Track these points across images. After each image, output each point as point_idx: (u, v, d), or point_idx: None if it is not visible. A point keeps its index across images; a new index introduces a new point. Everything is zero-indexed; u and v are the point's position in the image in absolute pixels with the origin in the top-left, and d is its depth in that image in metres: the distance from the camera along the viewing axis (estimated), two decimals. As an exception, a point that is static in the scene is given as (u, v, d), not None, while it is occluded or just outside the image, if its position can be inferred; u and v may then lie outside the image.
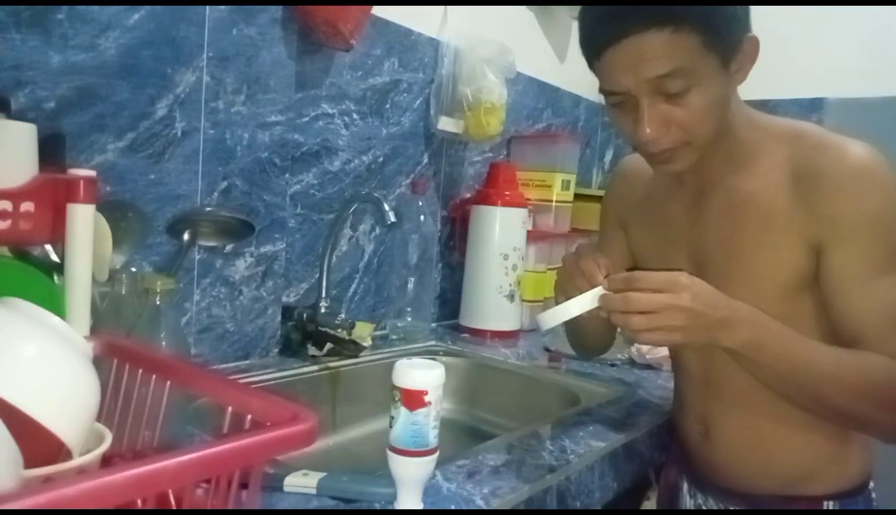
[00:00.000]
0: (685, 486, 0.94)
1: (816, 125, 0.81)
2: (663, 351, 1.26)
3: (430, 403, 0.60)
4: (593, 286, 0.76)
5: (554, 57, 1.80)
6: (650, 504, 1.02)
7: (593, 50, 0.74)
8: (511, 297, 1.43)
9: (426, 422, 0.61)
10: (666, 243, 0.90)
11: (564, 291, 0.80)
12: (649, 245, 0.94)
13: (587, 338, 1.02)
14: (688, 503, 0.93)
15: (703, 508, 0.91)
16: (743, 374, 0.77)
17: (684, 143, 0.75)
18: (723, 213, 0.82)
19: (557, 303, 0.79)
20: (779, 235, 0.77)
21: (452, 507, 0.65)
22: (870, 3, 1.59)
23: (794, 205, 0.76)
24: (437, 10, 1.38)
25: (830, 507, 0.82)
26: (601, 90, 0.77)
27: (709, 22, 0.69)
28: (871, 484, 0.85)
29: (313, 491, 0.64)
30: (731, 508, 0.88)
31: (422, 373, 0.61)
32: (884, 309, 0.74)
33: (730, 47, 0.72)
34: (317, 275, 1.16)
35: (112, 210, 0.75)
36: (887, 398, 0.72)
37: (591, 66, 0.76)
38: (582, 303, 0.76)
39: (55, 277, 0.66)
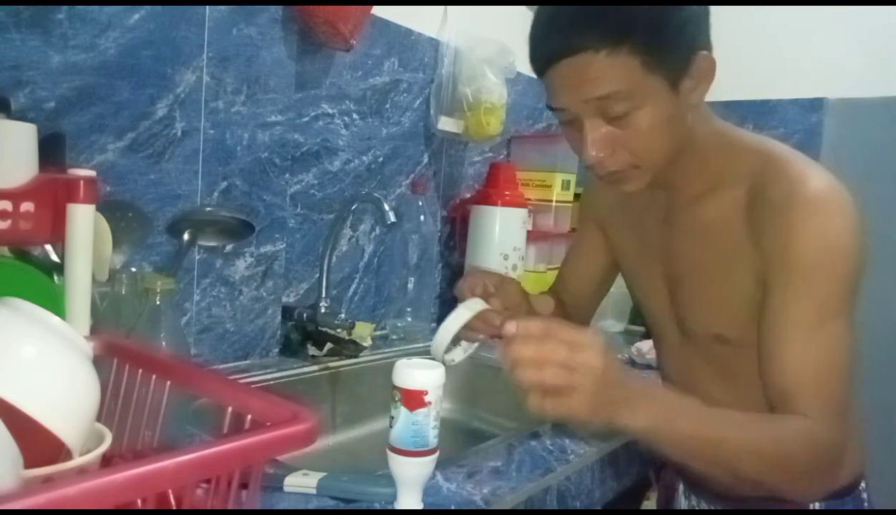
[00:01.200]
0: (681, 487, 0.94)
1: (787, 148, 0.76)
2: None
3: (430, 403, 0.60)
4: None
5: (554, 57, 1.80)
6: (650, 504, 1.02)
7: (536, 67, 0.73)
8: (511, 297, 1.42)
9: (426, 422, 0.61)
10: (643, 253, 0.89)
11: (459, 293, 0.85)
12: (628, 252, 0.93)
13: None
14: (683, 504, 0.94)
15: (697, 509, 0.91)
16: (711, 362, 0.79)
17: (632, 166, 0.73)
18: (690, 234, 0.81)
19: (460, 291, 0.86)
20: (734, 265, 0.75)
21: (452, 507, 0.65)
22: (870, 3, 1.59)
23: (746, 236, 0.73)
24: (437, 10, 1.38)
25: (817, 507, 0.81)
26: (547, 105, 0.75)
27: (649, 43, 0.66)
28: (863, 484, 0.84)
29: (313, 491, 0.64)
30: (721, 509, 0.88)
31: (422, 373, 0.60)
32: (816, 363, 0.68)
33: (677, 67, 0.68)
34: (317, 275, 1.16)
35: (112, 210, 0.75)
36: (806, 466, 0.67)
37: (542, 83, 0.74)
38: (456, 317, 0.78)
39: (55, 277, 0.66)
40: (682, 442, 0.66)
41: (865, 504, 0.84)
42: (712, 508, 0.89)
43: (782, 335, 0.69)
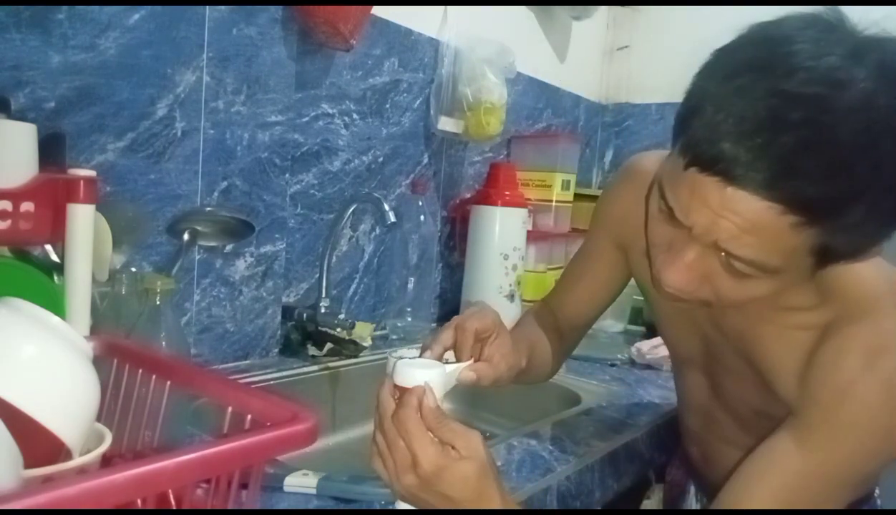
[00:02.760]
0: (692, 490, 0.94)
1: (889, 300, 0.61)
2: (664, 352, 1.26)
3: None
4: (458, 343, 0.66)
5: (554, 57, 1.80)
6: (650, 503, 1.02)
7: (684, 152, 0.54)
8: (511, 297, 1.43)
9: None
10: (678, 313, 0.78)
11: (435, 335, 0.67)
12: (660, 301, 0.80)
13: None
14: (694, 505, 0.93)
15: (703, 509, 0.91)
16: (745, 427, 0.72)
17: (703, 301, 0.60)
18: (735, 339, 0.71)
19: (423, 348, 0.67)
20: (779, 374, 0.66)
21: (452, 507, 0.65)
22: (870, 3, 1.59)
23: (798, 368, 0.63)
24: (437, 10, 1.38)
25: None
26: (659, 187, 0.58)
27: (847, 233, 0.51)
28: (877, 491, 0.84)
29: (313, 491, 0.64)
30: None
31: (421, 372, 0.58)
32: (783, 495, 0.60)
33: (843, 256, 0.56)
34: (317, 275, 1.16)
35: (112, 210, 0.75)
36: None
37: (674, 143, 0.57)
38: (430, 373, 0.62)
39: (55, 277, 0.66)
40: None
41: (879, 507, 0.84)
42: None
43: (772, 465, 0.62)
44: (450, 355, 0.66)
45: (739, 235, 0.52)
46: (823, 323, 0.63)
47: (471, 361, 0.65)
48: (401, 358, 0.61)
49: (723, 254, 0.54)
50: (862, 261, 0.60)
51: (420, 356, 0.65)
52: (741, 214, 0.51)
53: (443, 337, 0.65)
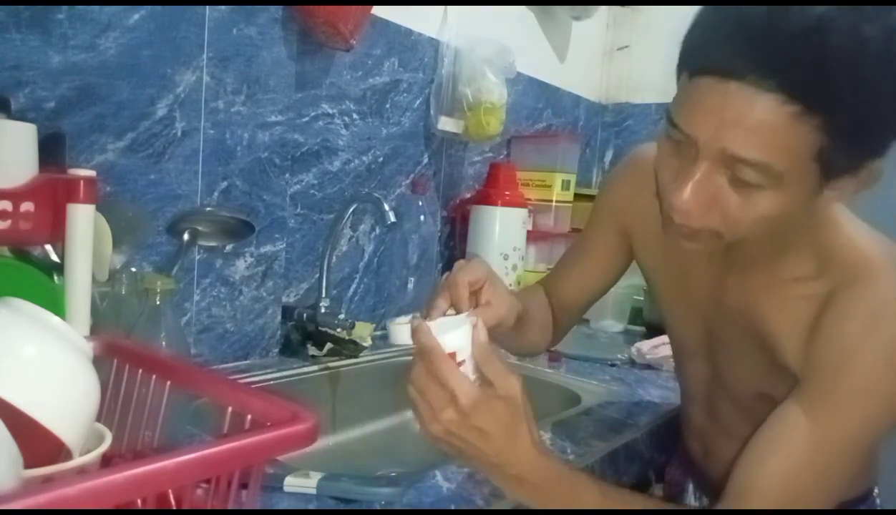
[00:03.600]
0: (690, 488, 0.94)
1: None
2: (664, 352, 1.26)
3: (463, 361, 0.57)
4: (456, 309, 0.65)
5: (554, 57, 1.80)
6: (650, 504, 1.02)
7: (688, 63, 0.56)
8: (511, 297, 1.42)
9: None
10: (680, 286, 0.79)
11: (429, 300, 0.66)
12: (660, 275, 0.82)
13: (512, 347, 0.88)
14: (693, 504, 0.93)
15: (704, 508, 0.91)
16: (746, 414, 0.73)
17: (714, 233, 0.59)
18: (737, 315, 0.72)
19: (422, 311, 0.67)
20: (784, 345, 0.67)
21: (452, 507, 0.65)
22: (870, 3, 1.58)
23: (804, 331, 0.64)
24: (437, 10, 1.38)
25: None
26: (667, 113, 0.59)
27: (849, 130, 0.52)
28: (876, 490, 0.84)
29: (313, 491, 0.64)
30: None
31: (449, 337, 0.57)
32: (794, 483, 0.61)
33: (844, 168, 0.55)
34: (317, 275, 1.16)
35: (112, 210, 0.75)
36: None
37: (678, 77, 0.59)
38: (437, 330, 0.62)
39: (55, 277, 0.66)
40: None
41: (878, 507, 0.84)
42: None
43: (783, 434, 0.62)
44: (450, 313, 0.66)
45: (744, 135, 0.52)
46: (825, 293, 0.63)
47: (469, 311, 0.64)
48: (400, 323, 0.61)
49: (729, 167, 0.54)
50: (860, 230, 0.65)
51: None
52: (744, 111, 0.51)
53: (438, 303, 0.64)
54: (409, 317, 0.67)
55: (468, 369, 0.58)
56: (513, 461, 0.57)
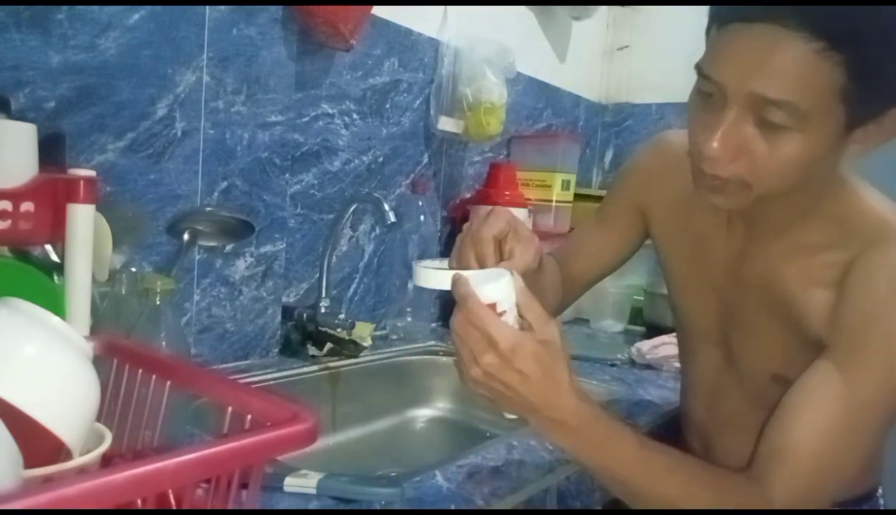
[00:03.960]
0: None
1: None
2: (664, 352, 1.26)
3: (504, 311, 0.58)
4: (481, 265, 0.65)
5: (554, 57, 1.80)
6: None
7: (717, 17, 0.60)
8: (511, 297, 1.42)
9: None
10: (696, 265, 0.80)
11: (460, 242, 0.68)
12: (675, 255, 0.84)
13: None
14: None
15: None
16: (754, 400, 0.73)
17: (743, 183, 0.61)
18: (764, 273, 0.72)
19: (450, 267, 0.68)
20: (805, 317, 0.68)
21: (452, 507, 0.65)
22: (871, 3, 1.58)
23: (828, 299, 0.66)
24: (437, 10, 1.38)
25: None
26: (697, 66, 0.61)
27: (870, 68, 0.54)
28: (880, 490, 0.84)
29: (313, 491, 0.64)
30: None
31: (488, 288, 0.57)
32: (827, 441, 0.62)
33: (868, 111, 0.58)
34: (317, 275, 1.16)
35: (112, 210, 0.75)
36: None
37: (708, 31, 0.62)
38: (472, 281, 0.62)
39: (55, 277, 0.66)
40: (607, 481, 0.63)
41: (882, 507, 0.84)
42: None
43: (811, 395, 0.63)
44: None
45: (770, 75, 0.55)
46: (848, 259, 0.65)
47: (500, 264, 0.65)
48: (427, 265, 0.65)
49: (757, 111, 0.56)
50: (878, 197, 0.67)
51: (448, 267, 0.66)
52: (769, 51, 0.54)
53: (466, 259, 0.65)
54: (437, 261, 0.69)
55: (508, 319, 0.58)
56: (552, 404, 0.58)
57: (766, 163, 0.59)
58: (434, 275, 0.64)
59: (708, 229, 0.78)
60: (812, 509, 0.63)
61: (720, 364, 0.81)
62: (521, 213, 1.44)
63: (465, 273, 0.60)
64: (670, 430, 0.98)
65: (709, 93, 0.60)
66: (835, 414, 0.62)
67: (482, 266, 0.66)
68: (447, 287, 0.60)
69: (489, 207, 0.69)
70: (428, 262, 0.69)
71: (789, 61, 0.54)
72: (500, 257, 0.67)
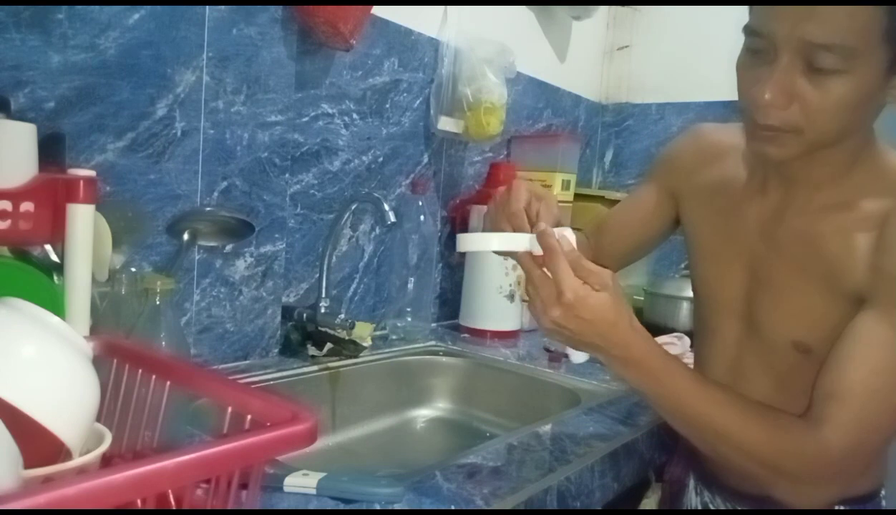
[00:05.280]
0: (691, 483, 0.94)
1: None
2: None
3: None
4: (516, 229, 0.71)
5: (554, 57, 1.80)
6: (650, 503, 1.02)
7: None
8: (511, 297, 1.43)
9: None
10: (725, 237, 0.84)
11: (492, 220, 0.74)
12: (703, 230, 0.87)
13: None
14: (693, 500, 0.93)
15: (710, 506, 0.91)
16: (767, 383, 0.75)
17: (795, 130, 0.65)
18: (800, 236, 0.75)
19: (485, 230, 0.76)
20: (839, 278, 0.71)
21: (452, 507, 0.65)
22: (872, 3, 1.58)
23: (866, 253, 0.69)
24: (437, 10, 1.38)
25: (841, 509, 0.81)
26: (745, 27, 0.67)
27: None
28: (883, 492, 0.84)
29: (313, 491, 0.64)
30: (739, 508, 0.87)
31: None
32: (879, 381, 0.66)
33: None
34: (317, 275, 1.16)
35: (112, 210, 0.75)
36: (797, 474, 0.68)
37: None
38: (505, 242, 0.71)
39: (55, 277, 0.66)
40: (667, 412, 0.71)
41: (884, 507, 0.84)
42: (727, 506, 0.88)
43: (859, 343, 0.67)
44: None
45: (821, 21, 0.60)
46: (886, 211, 0.69)
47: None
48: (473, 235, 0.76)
49: (806, 57, 0.61)
50: None
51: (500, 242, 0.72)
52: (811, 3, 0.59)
53: (514, 242, 0.70)
54: (481, 232, 0.76)
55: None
56: (614, 342, 0.66)
57: (818, 107, 0.63)
58: (480, 239, 0.74)
59: (741, 200, 0.82)
60: (819, 509, 0.63)
61: (740, 335, 0.83)
62: (521, 213, 1.44)
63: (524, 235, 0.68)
64: (670, 430, 0.98)
65: (756, 50, 0.65)
66: (882, 357, 0.66)
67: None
68: (494, 247, 0.70)
69: (512, 183, 0.75)
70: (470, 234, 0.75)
71: (836, 9, 0.59)
72: (529, 221, 0.73)
